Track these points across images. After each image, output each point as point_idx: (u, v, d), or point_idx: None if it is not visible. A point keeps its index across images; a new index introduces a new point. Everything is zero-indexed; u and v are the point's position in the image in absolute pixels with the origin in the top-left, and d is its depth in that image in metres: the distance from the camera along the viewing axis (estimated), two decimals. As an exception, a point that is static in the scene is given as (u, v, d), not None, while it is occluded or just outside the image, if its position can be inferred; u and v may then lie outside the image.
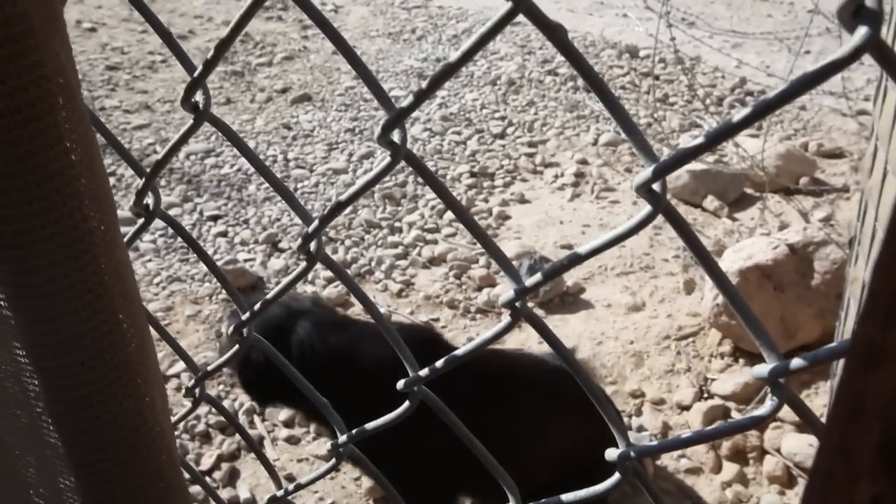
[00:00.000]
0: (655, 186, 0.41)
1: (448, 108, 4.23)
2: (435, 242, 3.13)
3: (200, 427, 2.26)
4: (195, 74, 0.58)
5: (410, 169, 3.58)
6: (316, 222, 0.63)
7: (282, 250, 3.05)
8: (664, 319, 2.73)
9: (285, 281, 0.71)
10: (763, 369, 0.44)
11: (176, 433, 2.27)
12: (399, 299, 2.83)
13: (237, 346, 0.82)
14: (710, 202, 3.33)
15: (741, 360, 2.47)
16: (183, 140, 0.63)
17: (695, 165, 3.41)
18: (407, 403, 0.71)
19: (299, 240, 0.65)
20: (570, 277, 2.92)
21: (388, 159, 0.52)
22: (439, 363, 0.65)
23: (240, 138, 0.65)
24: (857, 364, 0.22)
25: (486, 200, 3.44)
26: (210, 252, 3.01)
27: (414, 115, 4.13)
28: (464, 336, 2.68)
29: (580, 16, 5.75)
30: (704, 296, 2.65)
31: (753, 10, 5.92)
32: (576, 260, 0.48)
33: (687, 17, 5.45)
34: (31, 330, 0.51)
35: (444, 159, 3.73)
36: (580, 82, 4.54)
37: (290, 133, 3.94)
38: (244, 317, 0.79)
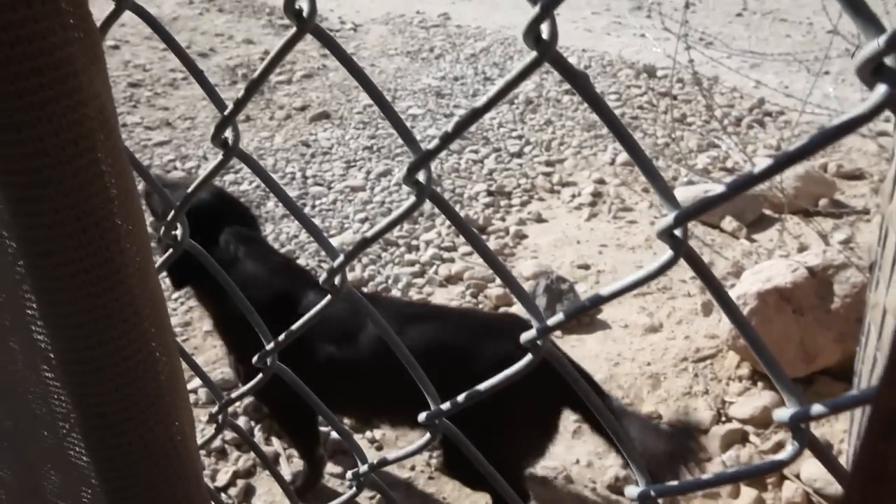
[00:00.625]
0: (677, 232, 0.42)
1: (466, 126, 4.24)
2: (452, 261, 3.14)
3: (216, 443, 2.28)
4: (226, 112, 0.59)
5: (428, 187, 3.60)
6: (341, 257, 0.64)
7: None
8: (682, 341, 2.72)
9: (309, 314, 0.72)
10: (784, 413, 0.44)
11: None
12: (415, 318, 2.84)
13: (260, 375, 0.83)
14: (729, 223, 3.32)
15: (760, 384, 2.45)
16: (212, 175, 0.64)
17: (712, 186, 3.40)
18: (427, 436, 0.71)
19: (325, 273, 0.65)
20: (587, 297, 2.91)
21: (413, 199, 0.53)
22: (460, 398, 0.66)
23: (267, 173, 0.66)
24: (879, 430, 0.22)
25: (502, 219, 3.45)
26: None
27: (431, 133, 4.16)
28: (480, 355, 2.67)
29: (598, 35, 5.77)
30: (722, 318, 2.64)
31: (772, 31, 5.92)
32: (598, 301, 0.49)
33: (705, 37, 5.46)
34: (67, 358, 0.52)
35: (461, 177, 3.75)
36: (598, 101, 4.55)
37: (309, 150, 3.97)
38: (269, 346, 0.79)
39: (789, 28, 6.01)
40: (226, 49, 5.31)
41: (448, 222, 3.38)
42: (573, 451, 2.30)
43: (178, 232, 0.72)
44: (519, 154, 3.98)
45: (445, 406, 0.66)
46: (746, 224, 3.34)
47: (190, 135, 4.12)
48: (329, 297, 0.65)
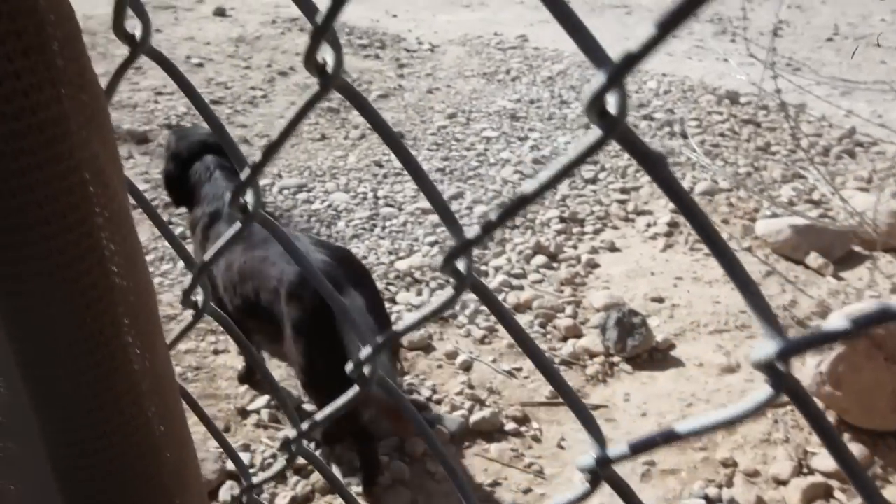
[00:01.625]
0: (779, 365, 0.34)
1: (540, 150, 4.18)
2: (521, 288, 3.07)
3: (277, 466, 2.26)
4: (244, 177, 0.54)
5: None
6: (369, 350, 0.58)
7: (367, 289, 3.05)
8: (761, 384, 2.57)
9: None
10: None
11: (252, 470, 2.27)
12: (482, 346, 2.78)
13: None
14: (814, 259, 3.15)
15: (846, 436, 2.29)
16: (230, 244, 0.59)
17: (797, 220, 3.24)
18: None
19: (350, 365, 0.60)
20: (661, 333, 2.80)
21: (451, 291, 0.47)
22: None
23: (288, 239, 0.61)
24: None
25: (574, 247, 3.36)
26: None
27: (504, 156, 4.11)
28: (546, 389, 2.59)
29: (678, 59, 5.63)
30: (806, 362, 2.49)
31: (865, 56, 5.66)
32: (671, 437, 0.41)
33: (792, 62, 5.26)
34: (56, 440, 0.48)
35: (534, 203, 3.68)
36: (676, 128, 4.43)
37: (381, 170, 3.98)
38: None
39: (884, 54, 5.74)
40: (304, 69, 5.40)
41: (519, 247, 3.32)
42: (642, 496, 2.19)
43: (199, 298, 0.66)
44: (593, 180, 3.89)
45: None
46: (834, 261, 3.17)
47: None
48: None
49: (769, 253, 3.27)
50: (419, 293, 3.02)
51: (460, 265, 0.45)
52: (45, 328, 0.43)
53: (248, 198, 0.54)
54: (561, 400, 2.71)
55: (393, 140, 0.47)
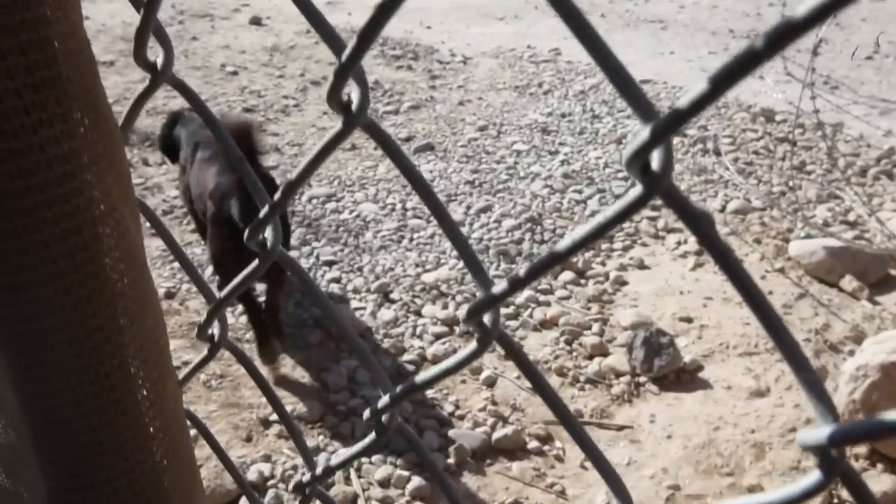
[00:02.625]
0: (833, 451, 0.30)
1: (570, 164, 4.16)
2: (548, 304, 3.04)
3: (297, 478, 2.26)
4: (262, 214, 0.52)
5: (529, 226, 3.53)
6: (387, 399, 0.56)
7: (392, 301, 3.04)
8: (791, 409, 2.52)
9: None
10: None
11: (272, 482, 2.27)
12: (506, 361, 2.76)
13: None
14: (849, 282, 3.09)
15: (879, 466, 2.24)
16: (248, 280, 0.57)
17: (832, 241, 3.18)
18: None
19: (367, 413, 0.58)
20: (689, 353, 2.76)
21: (475, 345, 0.45)
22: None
23: (303, 272, 0.60)
24: None
25: (603, 264, 3.33)
26: (323, 298, 3.05)
27: (535, 170, 4.09)
28: (571, 406, 2.56)
29: (713, 75, 5.57)
30: (839, 388, 2.44)
31: (905, 76, 5.56)
32: None
33: (830, 80, 5.19)
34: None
35: (562, 218, 3.66)
36: (709, 145, 4.38)
37: (411, 182, 3.97)
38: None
39: (924, 74, 5.63)
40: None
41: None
42: (665, 521, 2.16)
43: (216, 331, 0.65)
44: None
45: None
46: (869, 284, 3.10)
47: (296, 161, 4.20)
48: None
49: (802, 275, 3.21)
50: (445, 306, 3.01)
51: (486, 318, 0.44)
52: (49, 370, 0.42)
53: (268, 234, 0.53)
54: (585, 420, 2.67)
55: (419, 182, 0.46)
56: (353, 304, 3.02)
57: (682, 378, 2.70)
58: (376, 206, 3.71)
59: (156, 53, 0.50)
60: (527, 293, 3.08)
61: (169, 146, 3.00)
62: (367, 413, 0.56)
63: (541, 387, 0.46)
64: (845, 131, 4.51)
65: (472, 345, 0.45)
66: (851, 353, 2.68)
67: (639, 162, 0.29)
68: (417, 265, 3.26)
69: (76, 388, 0.42)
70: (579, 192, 3.88)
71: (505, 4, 7.52)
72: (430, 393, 2.61)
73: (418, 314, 2.96)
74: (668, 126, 0.27)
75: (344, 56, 0.38)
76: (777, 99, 4.70)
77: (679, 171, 4.09)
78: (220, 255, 2.53)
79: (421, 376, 0.51)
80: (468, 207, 3.72)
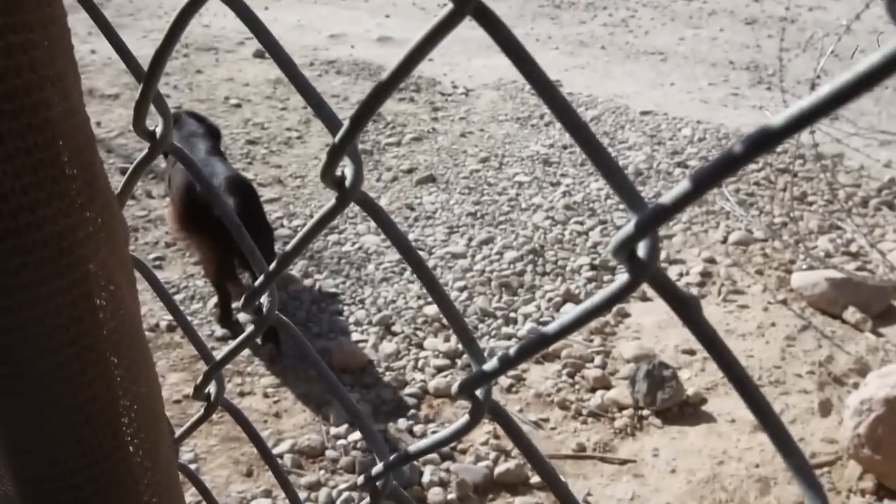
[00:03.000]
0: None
1: (572, 196, 4.17)
2: (549, 337, 3.04)
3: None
4: (256, 284, 0.53)
5: (531, 258, 3.54)
6: (380, 466, 0.56)
7: (394, 333, 3.04)
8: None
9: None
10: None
11: (275, 519, 2.26)
12: (508, 395, 2.75)
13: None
14: (852, 314, 3.08)
15: (886, 500, 2.22)
16: (242, 346, 0.58)
17: (834, 273, 3.18)
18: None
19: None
20: (692, 386, 2.75)
21: (467, 417, 0.45)
22: None
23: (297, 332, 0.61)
24: None
25: (605, 296, 3.32)
26: (325, 330, 3.05)
27: (536, 201, 4.10)
28: (573, 441, 2.55)
29: (713, 107, 5.61)
30: (843, 422, 2.42)
31: (904, 106, 5.58)
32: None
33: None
34: None
35: (564, 249, 3.66)
36: (711, 176, 4.39)
37: (413, 214, 3.99)
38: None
39: (924, 104, 5.66)
40: (340, 110, 5.47)
41: (549, 294, 3.29)
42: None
43: (213, 390, 0.65)
44: (625, 227, 3.86)
45: None
46: (872, 316, 3.09)
47: (299, 193, 4.22)
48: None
49: (805, 306, 3.20)
50: (447, 339, 3.00)
51: (478, 392, 0.44)
52: (42, 442, 0.43)
53: (264, 300, 0.53)
54: (588, 454, 2.66)
55: (411, 256, 0.47)
56: (355, 336, 3.02)
57: (686, 411, 2.69)
58: (378, 239, 3.72)
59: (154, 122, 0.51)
60: (529, 325, 3.08)
61: None
62: (360, 479, 0.56)
63: (533, 458, 0.46)
64: (846, 162, 4.53)
65: (465, 417, 0.46)
66: (856, 385, 2.67)
67: (625, 251, 0.30)
68: (419, 297, 3.26)
69: (69, 460, 0.42)
70: (581, 223, 3.89)
71: (506, 36, 7.59)
72: (432, 426, 2.60)
73: (420, 347, 2.96)
74: (651, 221, 0.28)
75: (338, 137, 0.39)
76: (777, 130, 4.72)
77: (680, 202, 4.10)
78: (208, 259, 2.98)
79: (414, 447, 0.51)
80: (470, 239, 3.73)
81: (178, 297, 3.24)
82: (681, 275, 3.47)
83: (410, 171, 4.51)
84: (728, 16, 8.48)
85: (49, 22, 0.39)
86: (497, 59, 6.81)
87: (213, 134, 3.31)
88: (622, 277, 0.31)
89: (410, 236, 3.76)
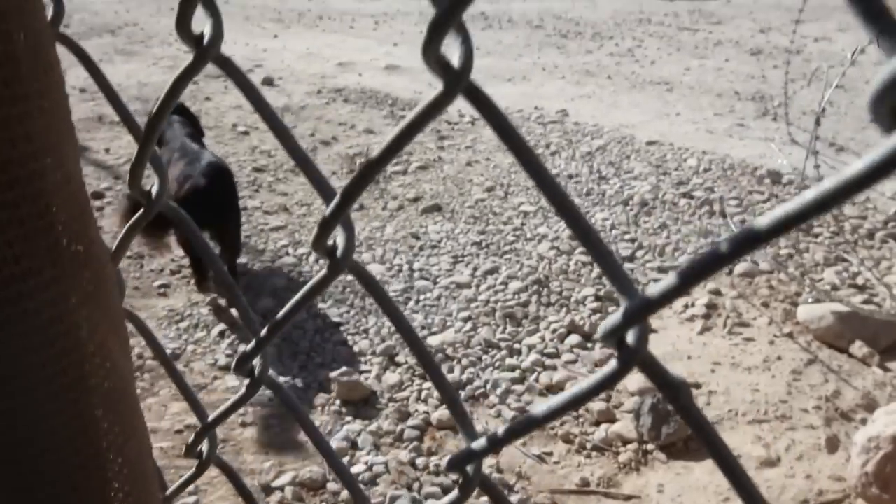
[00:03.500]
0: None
1: (577, 226, 4.17)
2: (554, 369, 3.02)
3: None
4: (248, 348, 0.52)
5: (536, 288, 3.53)
6: None
7: (398, 364, 3.03)
8: (802, 480, 2.47)
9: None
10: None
11: (274, 554, 2.23)
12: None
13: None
14: (859, 348, 3.06)
15: (893, 543, 2.18)
16: (237, 406, 0.57)
17: (840, 306, 3.16)
18: None
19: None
20: (697, 422, 2.72)
21: (457, 492, 0.45)
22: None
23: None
24: None
25: (610, 327, 3.31)
26: (328, 360, 3.04)
27: (541, 231, 4.10)
28: (577, 475, 2.52)
29: (719, 137, 5.62)
30: (851, 459, 2.39)
31: (910, 138, 5.59)
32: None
33: (835, 143, 5.22)
34: None
35: (569, 280, 3.66)
36: (716, 207, 4.39)
37: (418, 243, 4.00)
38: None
39: (930, 136, 5.66)
40: (347, 138, 5.51)
41: (553, 325, 3.28)
42: None
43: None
44: (631, 258, 3.86)
45: None
46: (880, 350, 3.07)
47: (304, 221, 4.24)
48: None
49: (811, 340, 3.18)
50: (451, 370, 2.99)
51: (469, 468, 0.44)
52: None
53: (256, 363, 0.53)
54: (592, 489, 2.63)
55: (403, 327, 0.47)
56: (359, 366, 3.01)
57: (691, 446, 2.66)
58: (383, 268, 3.72)
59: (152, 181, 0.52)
60: (533, 357, 3.07)
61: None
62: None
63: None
64: (852, 193, 4.52)
65: (455, 492, 0.45)
66: (863, 421, 2.64)
67: (614, 338, 0.30)
68: (423, 327, 3.25)
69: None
70: (586, 253, 3.88)
71: (513, 66, 7.65)
72: (434, 459, 2.58)
73: (423, 378, 2.95)
74: (639, 312, 0.28)
75: (329, 211, 0.39)
76: (783, 163, 4.73)
77: (686, 233, 4.10)
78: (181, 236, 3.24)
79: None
80: (475, 269, 3.73)
81: (182, 325, 3.24)
82: (686, 307, 3.46)
83: (416, 199, 4.52)
84: (733, 46, 8.54)
85: (47, 91, 0.39)
86: (503, 88, 6.87)
87: (192, 122, 3.77)
88: (612, 364, 0.31)
89: (416, 265, 3.76)
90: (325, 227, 0.40)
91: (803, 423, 2.73)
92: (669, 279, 0.26)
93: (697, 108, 6.33)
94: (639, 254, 3.89)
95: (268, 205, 4.39)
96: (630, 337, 0.29)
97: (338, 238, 0.43)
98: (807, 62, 7.34)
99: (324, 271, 0.44)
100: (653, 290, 0.27)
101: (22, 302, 0.37)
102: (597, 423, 2.76)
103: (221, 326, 3.21)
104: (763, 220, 0.23)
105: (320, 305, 3.41)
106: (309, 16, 10.16)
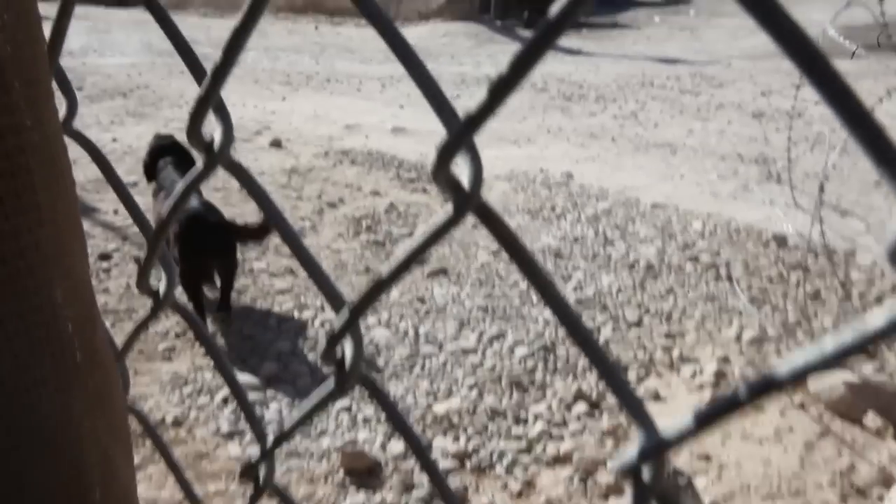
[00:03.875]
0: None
1: (583, 290, 4.16)
2: (561, 438, 2.97)
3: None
4: (254, 461, 0.51)
5: (542, 354, 3.50)
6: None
7: (402, 432, 2.98)
8: (818, 557, 2.40)
9: None
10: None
11: None
12: (518, 499, 2.67)
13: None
14: (872, 420, 3.00)
15: None
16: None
17: (851, 377, 3.12)
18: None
19: None
20: (708, 495, 2.66)
21: None
22: None
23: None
24: None
25: (617, 394, 3.27)
26: (331, 428, 3.00)
27: (547, 295, 4.09)
28: (586, 551, 2.46)
29: (723, 200, 5.65)
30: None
31: (915, 203, 5.60)
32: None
33: (839, 207, 5.23)
34: None
35: (575, 346, 3.62)
36: (722, 271, 4.38)
37: (424, 307, 3.98)
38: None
39: (935, 201, 5.68)
40: (354, 199, 5.55)
41: (560, 393, 3.24)
42: None
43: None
44: (638, 323, 3.83)
45: None
46: (894, 422, 3.01)
47: (310, 283, 4.23)
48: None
49: (823, 411, 3.13)
50: (456, 439, 2.95)
51: None
52: None
53: (347, 349, 0.50)
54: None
55: (401, 425, 0.46)
56: (363, 434, 2.97)
57: (702, 521, 2.60)
58: (388, 332, 3.70)
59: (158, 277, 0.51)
60: (540, 426, 3.02)
61: (148, 169, 4.04)
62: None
63: None
64: (858, 259, 4.51)
65: None
66: (881, 498, 2.58)
67: (630, 473, 0.29)
68: (429, 394, 3.22)
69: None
70: (592, 319, 3.86)
71: (518, 128, 7.75)
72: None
73: (428, 447, 2.90)
74: (654, 452, 0.27)
75: (338, 327, 0.39)
76: (788, 228, 4.74)
77: (692, 298, 4.08)
78: (186, 269, 3.40)
79: None
80: (481, 334, 3.71)
81: (186, 390, 3.21)
82: (694, 374, 3.42)
83: (422, 262, 4.53)
84: (735, 109, 8.65)
85: (56, 198, 0.39)
86: (508, 150, 6.95)
87: (189, 161, 3.91)
88: (627, 496, 0.30)
89: (421, 330, 3.74)
90: (333, 341, 0.39)
91: (818, 499, 2.67)
92: (686, 421, 0.26)
93: (701, 171, 6.37)
94: (645, 319, 3.87)
95: (274, 267, 4.40)
96: (645, 474, 0.28)
97: (346, 349, 0.43)
98: (808, 125, 7.40)
99: (331, 385, 0.44)
100: (670, 432, 0.26)
101: (26, 416, 0.37)
102: (605, 496, 2.71)
103: (225, 392, 3.18)
104: (782, 369, 0.22)
105: (324, 370, 3.38)
106: (317, 78, 10.36)
